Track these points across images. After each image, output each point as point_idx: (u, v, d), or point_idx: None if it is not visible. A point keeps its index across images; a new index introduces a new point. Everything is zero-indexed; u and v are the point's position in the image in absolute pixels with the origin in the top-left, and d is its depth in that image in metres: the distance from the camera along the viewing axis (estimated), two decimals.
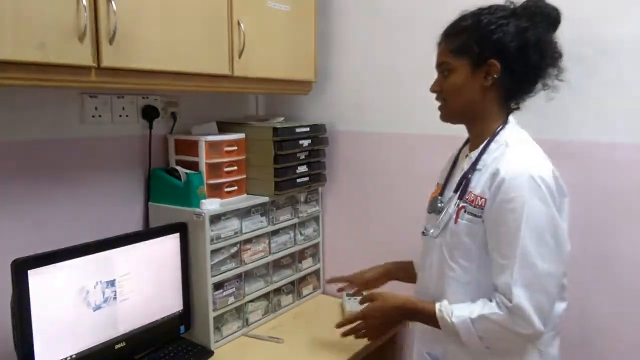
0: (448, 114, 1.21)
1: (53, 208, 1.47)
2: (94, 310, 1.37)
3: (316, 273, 2.06)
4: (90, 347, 1.37)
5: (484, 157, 1.15)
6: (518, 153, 1.11)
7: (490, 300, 1.09)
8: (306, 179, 1.87)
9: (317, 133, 1.89)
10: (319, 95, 1.98)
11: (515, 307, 1.03)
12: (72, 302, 1.33)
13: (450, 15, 1.63)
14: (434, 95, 1.72)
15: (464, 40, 1.14)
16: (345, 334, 1.28)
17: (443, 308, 1.13)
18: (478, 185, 1.13)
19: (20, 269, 1.22)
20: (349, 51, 1.91)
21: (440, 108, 1.22)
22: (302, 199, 1.95)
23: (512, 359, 1.14)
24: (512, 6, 1.15)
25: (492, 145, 1.15)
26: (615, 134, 1.44)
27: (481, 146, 1.17)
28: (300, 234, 1.96)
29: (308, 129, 1.85)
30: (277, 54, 1.70)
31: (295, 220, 1.91)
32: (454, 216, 1.15)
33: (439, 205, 1.22)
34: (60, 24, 1.10)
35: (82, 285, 1.34)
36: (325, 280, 1.63)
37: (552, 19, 1.13)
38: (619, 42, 1.40)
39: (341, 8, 1.91)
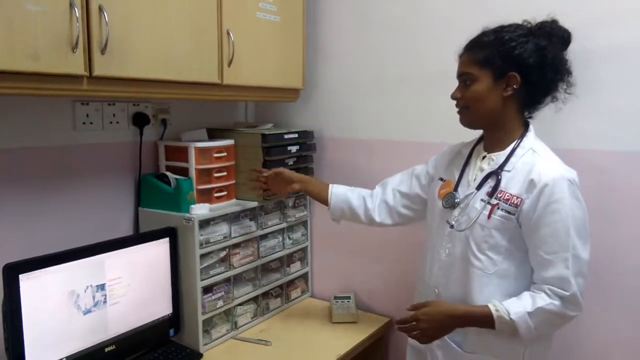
0: (470, 120, 1.32)
1: (45, 213, 1.50)
2: (84, 314, 1.40)
3: (304, 277, 2.10)
4: (80, 350, 1.39)
5: (512, 160, 1.26)
6: (551, 160, 1.25)
7: (535, 292, 1.20)
8: None
9: (305, 139, 1.93)
10: (307, 102, 2.02)
11: (572, 295, 1.17)
12: (62, 306, 1.35)
13: (437, 25, 1.71)
14: (420, 102, 1.79)
15: (487, 54, 1.24)
16: (400, 329, 1.33)
17: (499, 307, 1.20)
18: (512, 185, 1.24)
19: (12, 273, 1.24)
20: (336, 59, 1.96)
21: (460, 114, 1.32)
22: (291, 204, 1.98)
23: (538, 345, 1.28)
24: (529, 25, 1.28)
25: (518, 150, 1.26)
26: (587, 142, 1.50)
27: (507, 150, 1.28)
28: (289, 238, 1.99)
29: (296, 136, 1.88)
30: (265, 62, 1.74)
31: (284, 225, 1.95)
32: (487, 212, 1.25)
33: (456, 200, 1.32)
34: (53, 35, 1.13)
35: (73, 289, 1.37)
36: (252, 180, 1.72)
37: (565, 39, 1.28)
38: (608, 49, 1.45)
39: (329, 17, 1.95)
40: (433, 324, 1.27)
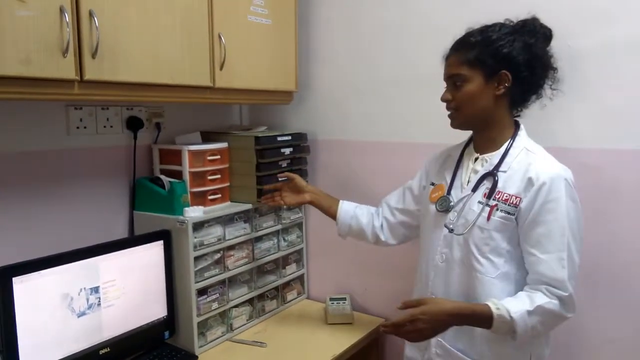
0: (462, 121, 1.31)
1: (39, 217, 1.51)
2: (79, 317, 1.40)
3: (300, 278, 2.10)
4: (74, 352, 1.40)
5: (507, 160, 1.26)
6: (547, 159, 1.25)
7: (531, 292, 1.19)
8: None
9: (299, 141, 1.94)
10: (302, 105, 2.03)
11: (570, 296, 1.17)
12: (56, 309, 1.36)
13: (427, 26, 1.73)
14: (412, 104, 1.80)
15: (476, 54, 1.24)
16: (387, 332, 1.24)
17: (500, 306, 1.16)
18: (509, 185, 1.23)
19: (5, 276, 1.25)
20: (329, 62, 1.97)
21: (451, 116, 1.31)
22: (285, 206, 1.99)
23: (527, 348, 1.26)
24: (511, 24, 1.28)
25: (512, 150, 1.27)
26: (582, 141, 1.50)
27: (501, 150, 1.28)
28: (284, 240, 1.99)
29: (290, 138, 1.89)
30: (258, 65, 1.75)
31: (279, 227, 1.95)
32: (486, 215, 1.24)
33: (450, 204, 1.31)
34: (44, 40, 1.14)
35: (67, 292, 1.38)
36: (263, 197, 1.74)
37: (547, 36, 1.29)
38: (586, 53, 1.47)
39: (321, 20, 1.97)
40: (432, 323, 1.19)
